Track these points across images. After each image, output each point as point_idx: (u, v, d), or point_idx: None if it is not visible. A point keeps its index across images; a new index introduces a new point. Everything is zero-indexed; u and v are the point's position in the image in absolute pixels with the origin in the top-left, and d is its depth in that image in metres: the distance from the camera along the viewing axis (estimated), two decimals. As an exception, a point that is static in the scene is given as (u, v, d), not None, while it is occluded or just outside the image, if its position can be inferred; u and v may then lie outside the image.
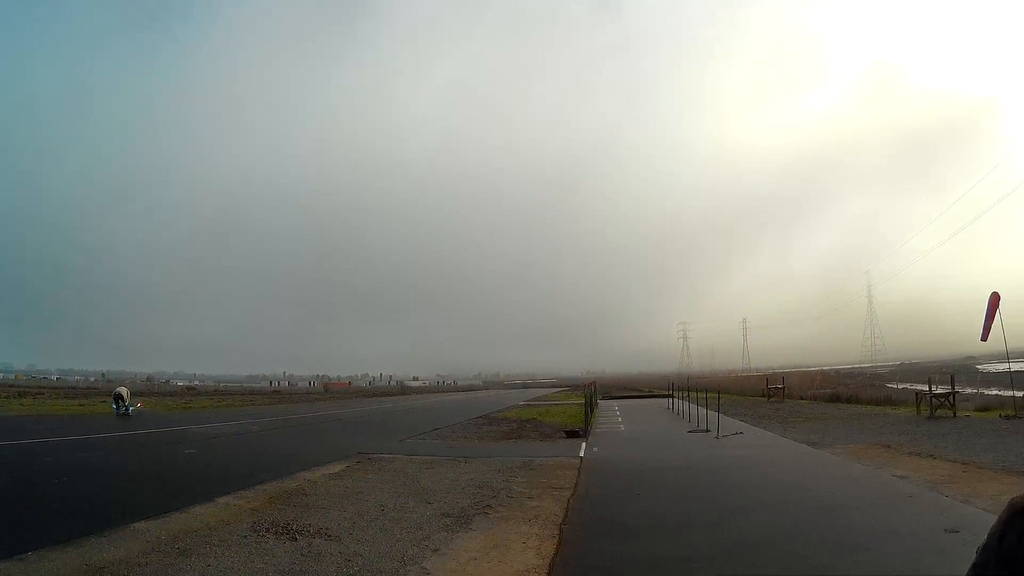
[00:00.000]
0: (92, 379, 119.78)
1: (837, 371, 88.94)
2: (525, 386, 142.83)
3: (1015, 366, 26.87)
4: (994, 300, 23.98)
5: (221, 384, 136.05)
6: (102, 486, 12.89)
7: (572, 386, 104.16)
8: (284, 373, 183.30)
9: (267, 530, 9.15)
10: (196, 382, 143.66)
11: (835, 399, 41.28)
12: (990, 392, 31.87)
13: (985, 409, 25.69)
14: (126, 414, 33.18)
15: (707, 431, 23.71)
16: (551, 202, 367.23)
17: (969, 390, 29.83)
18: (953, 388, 26.71)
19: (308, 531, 9.16)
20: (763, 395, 49.06)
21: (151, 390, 78.11)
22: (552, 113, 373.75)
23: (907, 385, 44.84)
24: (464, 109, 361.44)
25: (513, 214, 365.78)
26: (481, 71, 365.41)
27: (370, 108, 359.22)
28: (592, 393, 39.90)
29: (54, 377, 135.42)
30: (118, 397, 34.24)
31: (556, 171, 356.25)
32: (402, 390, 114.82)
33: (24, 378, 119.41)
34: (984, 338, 24.31)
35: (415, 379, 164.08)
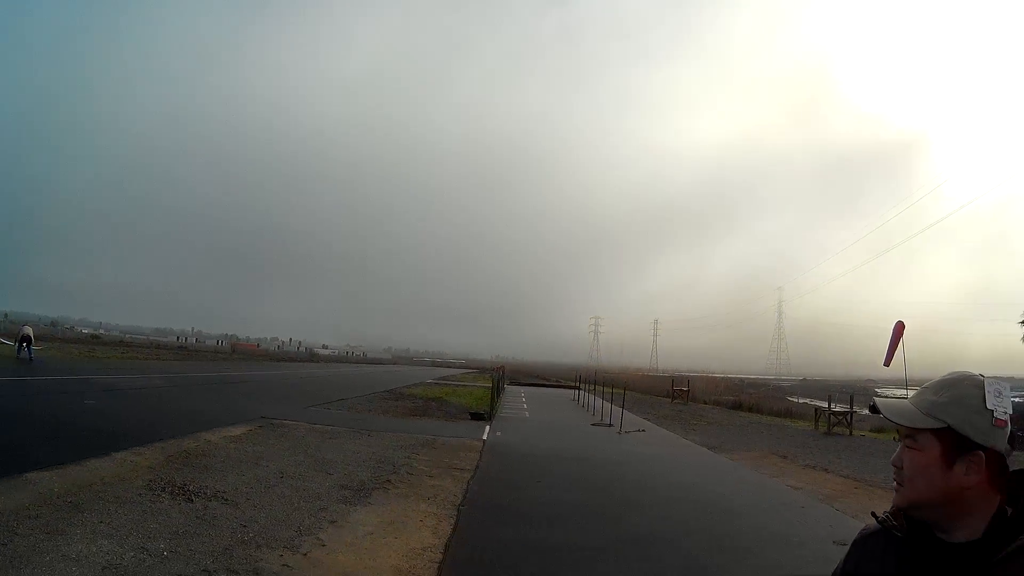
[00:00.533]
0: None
1: (742, 380, 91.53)
2: (434, 364, 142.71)
3: (912, 394, 27.89)
4: (899, 329, 25.00)
5: (127, 335, 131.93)
6: (-6, 431, 12.55)
7: (481, 369, 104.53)
8: (192, 329, 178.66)
9: (163, 489, 9.10)
10: (101, 331, 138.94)
11: (737, 407, 42.32)
12: (888, 416, 33.10)
13: (880, 431, 26.74)
14: (29, 359, 31.73)
15: (610, 425, 24.27)
16: (474, 184, 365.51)
17: (867, 411, 31.05)
18: (852, 407, 27.74)
19: (205, 493, 9.14)
20: (668, 396, 49.79)
21: (55, 335, 75.30)
22: (485, 95, 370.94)
23: (807, 400, 46.54)
24: (395, 80, 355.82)
25: (437, 193, 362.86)
26: (416, 43, 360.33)
27: (295, 66, 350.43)
28: (500, 377, 40.27)
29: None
30: (25, 339, 32.70)
31: (482, 153, 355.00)
32: (311, 357, 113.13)
33: None
34: (887, 364, 25.30)
35: (324, 347, 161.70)
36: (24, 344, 32.29)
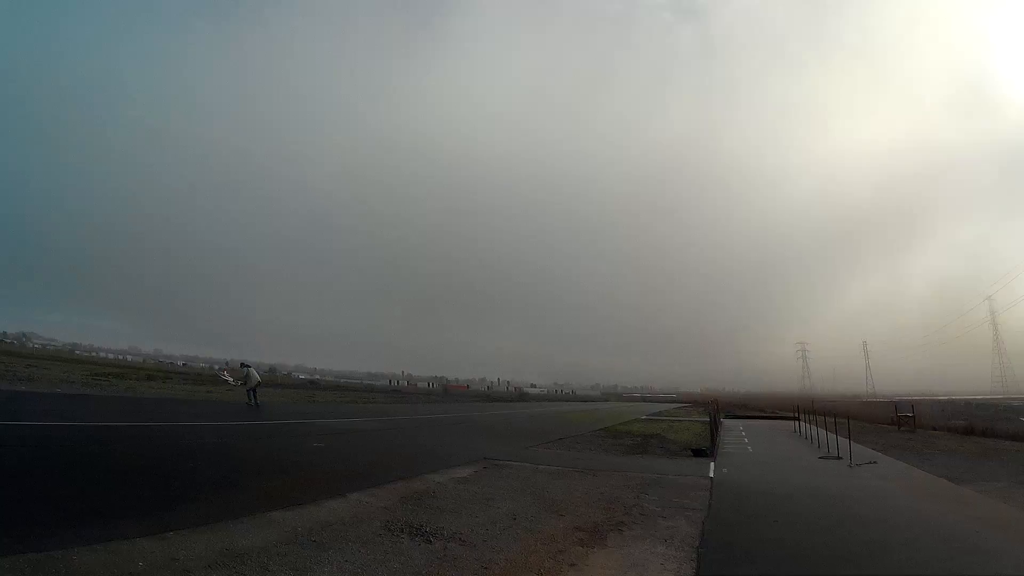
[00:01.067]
0: (217, 367, 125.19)
1: (967, 401, 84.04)
2: (644, 399, 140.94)
3: None
4: None
5: (342, 380, 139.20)
6: (236, 472, 13.09)
7: (691, 402, 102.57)
8: (403, 372, 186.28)
9: (401, 530, 9.08)
10: (317, 376, 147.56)
11: (969, 432, 38.55)
12: None
13: None
14: (255, 404, 31.94)
15: (839, 458, 22.81)
16: (647, 211, 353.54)
17: None
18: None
19: (442, 534, 9.05)
20: (891, 423, 46.41)
21: (274, 381, 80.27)
22: (639, 116, 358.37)
23: (1049, 421, 41.87)
24: (551, 107, 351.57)
25: (612, 219, 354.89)
26: (558, 71, 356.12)
27: (466, 102, 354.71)
28: (716, 411, 39.10)
29: (180, 363, 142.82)
30: (258, 385, 33.01)
31: (646, 176, 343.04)
32: (520, 396, 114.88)
33: (152, 363, 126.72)
34: None
35: (533, 386, 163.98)
36: (253, 390, 32.56)
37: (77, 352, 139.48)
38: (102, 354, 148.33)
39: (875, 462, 22.62)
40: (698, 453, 23.35)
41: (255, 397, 32.45)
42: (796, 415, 45.30)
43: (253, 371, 34.14)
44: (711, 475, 17.95)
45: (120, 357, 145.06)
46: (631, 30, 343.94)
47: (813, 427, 34.85)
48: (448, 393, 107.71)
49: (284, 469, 14.12)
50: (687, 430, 36.39)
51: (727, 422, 49.65)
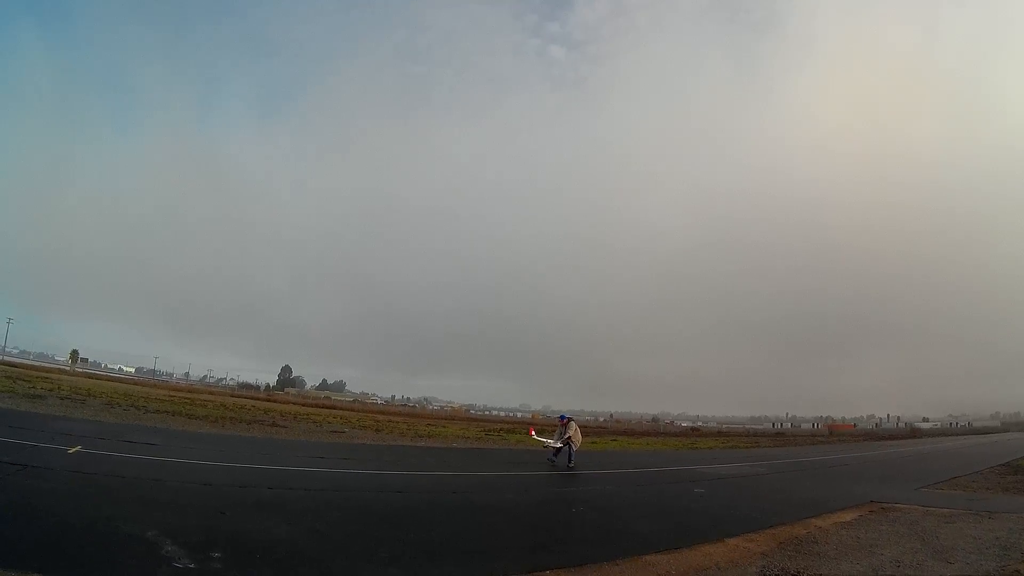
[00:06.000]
0: (602, 420, 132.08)
1: None
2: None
3: None
4: None
5: (724, 425, 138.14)
6: (615, 518, 13.84)
7: None
8: (787, 414, 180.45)
9: (777, 576, 9.15)
10: (699, 423, 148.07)
11: None
12: None
13: None
14: (567, 463, 23.39)
15: None
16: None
17: None
18: None
19: (820, 581, 8.98)
20: None
21: (656, 430, 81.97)
22: None
23: None
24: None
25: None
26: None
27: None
28: None
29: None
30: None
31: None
32: (911, 433, 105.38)
33: (540, 417, 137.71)
34: None
35: (925, 420, 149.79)
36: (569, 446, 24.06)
37: (472, 412, 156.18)
38: (495, 412, 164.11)
39: None
40: None
41: (567, 455, 24.21)
42: None
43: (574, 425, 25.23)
44: None
45: (510, 414, 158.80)
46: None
47: None
48: (833, 433, 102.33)
49: (662, 514, 14.70)
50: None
51: None
